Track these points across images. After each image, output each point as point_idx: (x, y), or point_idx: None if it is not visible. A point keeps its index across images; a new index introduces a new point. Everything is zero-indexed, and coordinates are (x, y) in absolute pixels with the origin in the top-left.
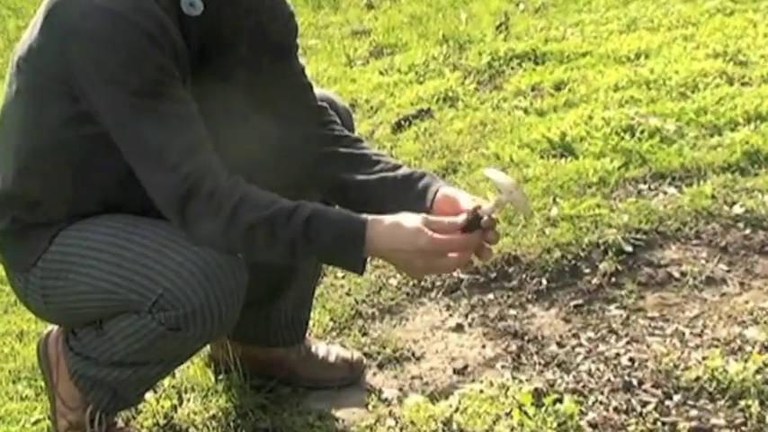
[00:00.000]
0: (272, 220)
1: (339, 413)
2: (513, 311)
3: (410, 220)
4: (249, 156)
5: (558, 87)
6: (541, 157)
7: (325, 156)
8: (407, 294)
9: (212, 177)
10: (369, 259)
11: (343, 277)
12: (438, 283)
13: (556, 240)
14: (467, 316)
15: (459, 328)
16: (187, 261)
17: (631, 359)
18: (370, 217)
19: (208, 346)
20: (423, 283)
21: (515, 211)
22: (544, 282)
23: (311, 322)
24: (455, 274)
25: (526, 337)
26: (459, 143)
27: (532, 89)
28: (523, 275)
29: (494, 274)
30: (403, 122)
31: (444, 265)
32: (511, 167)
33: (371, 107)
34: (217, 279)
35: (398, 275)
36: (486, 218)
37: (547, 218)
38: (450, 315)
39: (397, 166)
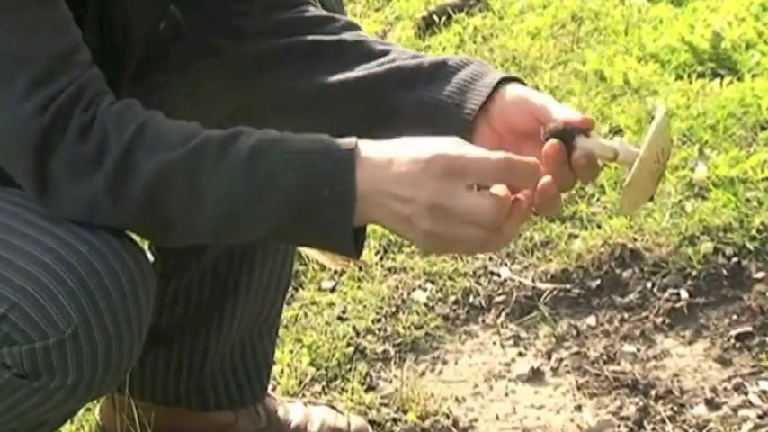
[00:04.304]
0: (191, 160)
1: None
2: (629, 347)
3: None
4: (157, 68)
5: None
6: (678, 78)
7: (290, 51)
8: (445, 318)
9: (89, 101)
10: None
11: (334, 289)
12: (498, 299)
13: (703, 222)
14: (549, 355)
15: (536, 375)
16: (47, 254)
17: None
18: (360, 141)
19: (96, 409)
20: (472, 299)
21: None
22: (684, 295)
23: (277, 367)
24: (527, 281)
25: (653, 392)
26: (533, 53)
27: None
28: (648, 284)
29: (596, 282)
30: (437, 18)
31: (466, 239)
32: (626, 95)
33: None
34: (100, 283)
35: (430, 285)
36: (591, 141)
37: (688, 182)
38: (521, 353)
39: (419, 57)
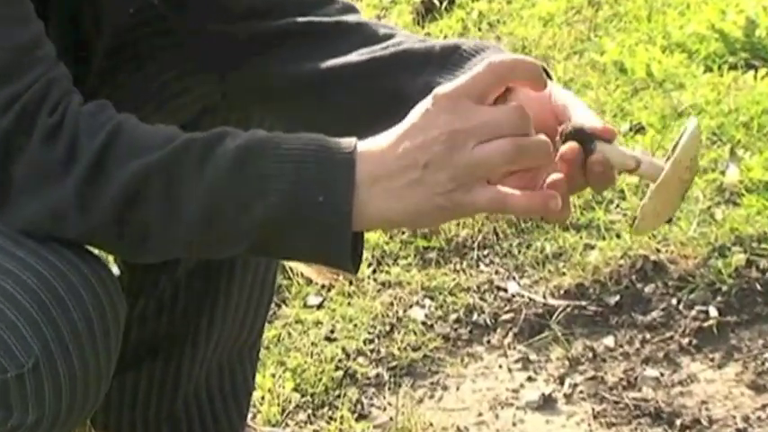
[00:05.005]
0: (172, 162)
1: None
2: (651, 371)
3: None
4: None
5: None
6: (707, 69)
7: (281, 34)
8: (446, 338)
9: (56, 101)
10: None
11: (321, 306)
12: (505, 317)
13: (735, 231)
14: (562, 380)
15: (547, 403)
16: (6, 278)
17: None
18: (360, 142)
19: None
20: (476, 317)
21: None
22: (713, 312)
23: (258, 393)
24: (538, 297)
25: (678, 421)
26: (545, 42)
27: None
28: (672, 301)
29: (614, 298)
30: (437, 2)
31: (493, 155)
32: (649, 89)
33: None
34: (64, 311)
35: (429, 301)
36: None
37: (718, 187)
38: (531, 378)
39: (428, 41)
